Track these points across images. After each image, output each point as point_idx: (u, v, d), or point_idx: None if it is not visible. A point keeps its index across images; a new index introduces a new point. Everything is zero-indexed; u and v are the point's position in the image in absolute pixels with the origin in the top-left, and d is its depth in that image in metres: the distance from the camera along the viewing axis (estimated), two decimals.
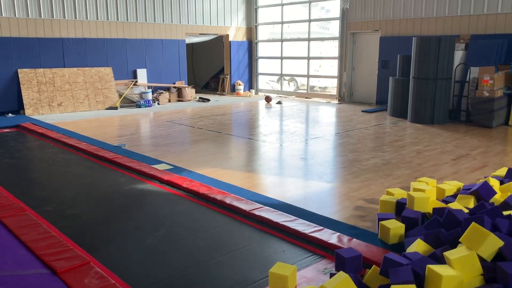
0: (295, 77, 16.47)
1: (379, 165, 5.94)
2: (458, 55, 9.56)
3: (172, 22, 13.41)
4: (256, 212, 4.18)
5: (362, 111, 11.07)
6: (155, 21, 13.00)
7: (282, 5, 14.62)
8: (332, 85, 18.93)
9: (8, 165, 6.15)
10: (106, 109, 11.59)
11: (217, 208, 4.44)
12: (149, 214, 4.32)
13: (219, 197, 4.61)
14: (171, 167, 5.85)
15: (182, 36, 13.76)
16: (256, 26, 15.47)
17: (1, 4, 10.25)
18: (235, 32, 15.25)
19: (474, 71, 9.34)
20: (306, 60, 14.36)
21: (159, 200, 4.73)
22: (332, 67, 17.42)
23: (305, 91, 14.79)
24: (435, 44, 8.86)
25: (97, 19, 11.82)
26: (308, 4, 13.71)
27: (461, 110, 9.54)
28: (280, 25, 15.23)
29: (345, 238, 3.60)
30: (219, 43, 15.97)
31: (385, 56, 11.88)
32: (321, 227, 3.82)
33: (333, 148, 7.03)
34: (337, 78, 13.32)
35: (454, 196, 4.22)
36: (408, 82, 9.73)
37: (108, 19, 12.02)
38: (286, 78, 16.76)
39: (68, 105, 11.12)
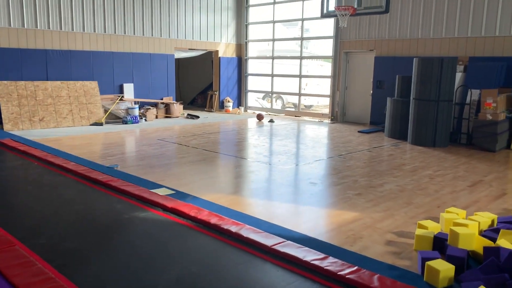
0: (281, 95, 16.21)
1: (395, 192, 5.59)
2: (457, 77, 9.44)
3: (161, 36, 12.97)
4: (280, 248, 3.73)
5: (359, 131, 10.80)
6: (143, 34, 12.54)
7: (273, 22, 14.38)
8: (318, 104, 18.82)
9: None
10: (91, 125, 10.98)
11: (232, 242, 3.97)
12: (158, 249, 3.81)
13: (233, 228, 4.14)
14: (173, 192, 5.36)
15: (171, 50, 13.33)
16: (246, 42, 15.17)
17: None
18: (225, 48, 14.91)
19: (475, 94, 9.22)
20: (298, 78, 14.08)
21: (166, 231, 4.23)
22: (319, 86, 17.31)
23: (293, 109, 14.51)
24: (437, 65, 8.70)
25: (84, 30, 11.28)
26: (300, 22, 13.51)
27: (461, 133, 9.37)
28: (271, 42, 15.01)
29: (388, 281, 3.19)
30: (207, 58, 15.61)
31: (380, 76, 11.72)
32: (356, 267, 3.40)
33: (342, 171, 6.67)
34: (330, 97, 13.08)
35: (493, 230, 3.88)
36: (407, 103, 9.53)
37: (95, 31, 11.49)
38: (271, 95, 16.49)
39: (50, 120, 10.47)
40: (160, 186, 5.62)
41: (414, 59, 9.18)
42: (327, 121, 12.94)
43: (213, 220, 4.35)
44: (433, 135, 8.89)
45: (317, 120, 13.12)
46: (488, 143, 8.48)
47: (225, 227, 4.19)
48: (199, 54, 14.97)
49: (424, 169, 6.95)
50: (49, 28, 10.66)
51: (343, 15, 10.34)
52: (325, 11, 11.03)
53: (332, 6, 11.01)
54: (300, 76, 14.02)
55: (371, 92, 11.99)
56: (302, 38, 13.59)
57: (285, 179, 6.33)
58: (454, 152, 8.38)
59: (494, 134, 8.39)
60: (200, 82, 17.11)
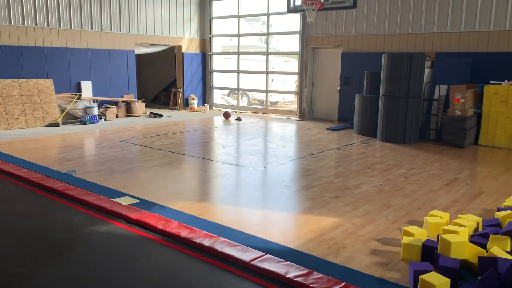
0: (247, 92, 15.90)
1: (372, 193, 5.38)
2: (425, 73, 9.40)
3: (120, 31, 12.32)
4: (259, 264, 3.41)
5: (328, 128, 10.62)
6: (102, 29, 11.86)
7: (238, 16, 13.99)
8: (284, 100, 18.62)
9: None
10: (46, 125, 10.25)
11: (206, 257, 3.61)
12: (124, 271, 3.40)
13: (206, 242, 3.78)
14: (137, 201, 4.92)
15: (131, 46, 12.69)
16: (210, 37, 14.71)
17: None
18: (188, 44, 14.39)
19: (442, 89, 9.22)
20: (265, 74, 13.78)
21: (132, 248, 3.81)
22: (284, 82, 17.10)
23: (259, 106, 14.22)
24: (406, 61, 8.61)
25: (36, 25, 10.50)
26: (266, 17, 13.18)
27: (430, 129, 9.36)
28: (234, 38, 14.64)
29: None
30: (169, 54, 15.03)
31: (347, 72, 11.59)
32: (343, 283, 3.12)
33: (315, 172, 6.41)
34: (297, 94, 12.86)
35: (481, 235, 3.70)
36: (376, 100, 9.42)
37: (49, 26, 10.73)
38: (237, 92, 16.15)
39: (1, 121, 9.67)
40: (122, 194, 5.16)
41: (383, 54, 9.06)
42: (295, 118, 12.72)
43: (184, 233, 3.97)
44: (403, 132, 8.81)
45: (285, 118, 12.88)
46: (458, 139, 8.48)
47: (197, 240, 3.82)
48: (161, 50, 14.38)
49: (397, 167, 6.80)
50: None
51: (310, 10, 10.10)
52: (291, 6, 10.76)
53: (298, 1, 10.76)
54: (267, 73, 13.72)
55: (339, 88, 11.84)
56: (268, 33, 13.28)
57: (258, 182, 6.00)
58: (424, 149, 8.32)
59: (464, 130, 8.39)
60: (162, 79, 16.49)
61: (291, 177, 6.19)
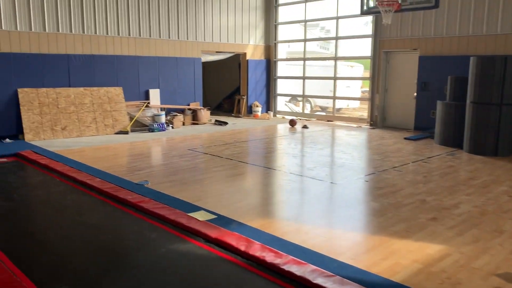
0: (309, 98, 15.39)
1: (475, 215, 4.70)
2: None
3: (187, 39, 12.29)
4: None
5: (405, 138, 9.86)
6: (169, 38, 11.88)
7: (305, 21, 13.56)
8: (347, 107, 17.88)
9: (4, 211, 4.86)
10: (116, 133, 10.34)
11: None
12: None
13: (295, 269, 3.33)
14: (214, 216, 4.58)
15: (197, 54, 12.64)
16: (275, 44, 14.38)
17: (1, 16, 9.09)
18: (253, 50, 14.15)
19: None
20: (332, 80, 13.22)
21: (212, 271, 3.45)
22: (349, 88, 16.38)
23: (323, 113, 13.62)
24: (500, 65, 7.74)
25: (107, 34, 10.67)
26: (335, 21, 12.62)
27: None
28: (297, 43, 14.22)
29: None
30: (233, 61, 14.86)
31: (425, 77, 10.75)
32: None
33: (403, 188, 5.79)
34: (369, 100, 12.16)
35: None
36: (461, 107, 8.58)
37: (119, 34, 10.87)
38: (299, 99, 15.68)
39: (73, 129, 9.87)
40: (197, 208, 4.86)
41: (471, 58, 8.22)
42: (366, 126, 12.03)
43: (269, 257, 3.55)
44: (495, 143, 7.91)
45: (354, 125, 12.21)
46: None
47: (285, 267, 3.39)
48: (226, 57, 14.24)
49: (496, 184, 6.01)
50: (71, 31, 10.08)
51: (386, 11, 9.45)
52: (365, 8, 10.16)
53: (372, 2, 10.14)
54: (335, 78, 13.14)
55: (415, 94, 11.03)
56: (337, 38, 12.69)
57: (339, 198, 5.49)
58: None
59: None
60: (226, 86, 16.39)
61: (375, 193, 5.62)
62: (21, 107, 9.36)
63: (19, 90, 9.44)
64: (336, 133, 11.03)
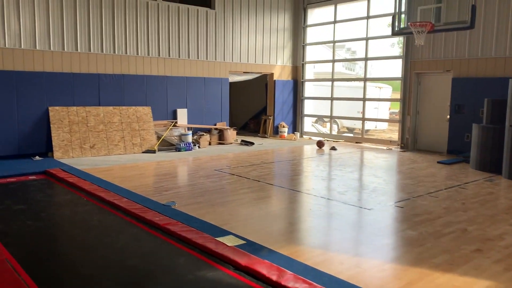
0: (336, 119, 15.17)
1: None
2: None
3: (215, 60, 12.33)
4: None
5: (438, 162, 9.50)
6: (198, 58, 11.94)
7: (334, 42, 13.45)
8: (375, 128, 17.53)
9: (32, 230, 4.81)
10: (143, 152, 10.34)
11: None
12: None
13: None
14: (243, 242, 4.39)
15: (225, 74, 12.65)
16: (303, 64, 14.29)
17: (36, 37, 9.31)
18: (280, 71, 14.10)
19: None
20: (361, 101, 12.99)
21: None
22: (377, 109, 16.09)
23: (350, 134, 13.36)
24: None
25: (137, 54, 10.80)
26: (365, 41, 12.47)
27: None
28: (325, 64, 14.11)
29: None
30: (259, 81, 14.84)
31: (459, 100, 10.41)
32: None
33: (441, 216, 5.48)
34: (400, 123, 11.86)
35: None
36: (500, 131, 8.21)
37: (149, 55, 10.99)
38: (325, 120, 15.46)
39: (102, 147, 9.91)
40: (226, 232, 4.69)
41: (510, 80, 7.89)
42: (396, 148, 11.69)
43: None
44: None
45: (384, 148, 11.90)
46: None
47: None
48: (254, 78, 14.22)
49: None
50: (102, 51, 10.23)
51: (419, 32, 9.23)
52: (396, 29, 9.97)
53: (403, 23, 9.94)
54: (364, 99, 12.91)
55: (448, 117, 10.68)
56: (366, 59, 12.51)
57: (373, 225, 5.22)
58: None
59: None
60: (252, 106, 16.34)
61: (412, 221, 5.33)
62: (51, 125, 9.48)
63: (50, 108, 9.59)
64: (366, 155, 10.74)
